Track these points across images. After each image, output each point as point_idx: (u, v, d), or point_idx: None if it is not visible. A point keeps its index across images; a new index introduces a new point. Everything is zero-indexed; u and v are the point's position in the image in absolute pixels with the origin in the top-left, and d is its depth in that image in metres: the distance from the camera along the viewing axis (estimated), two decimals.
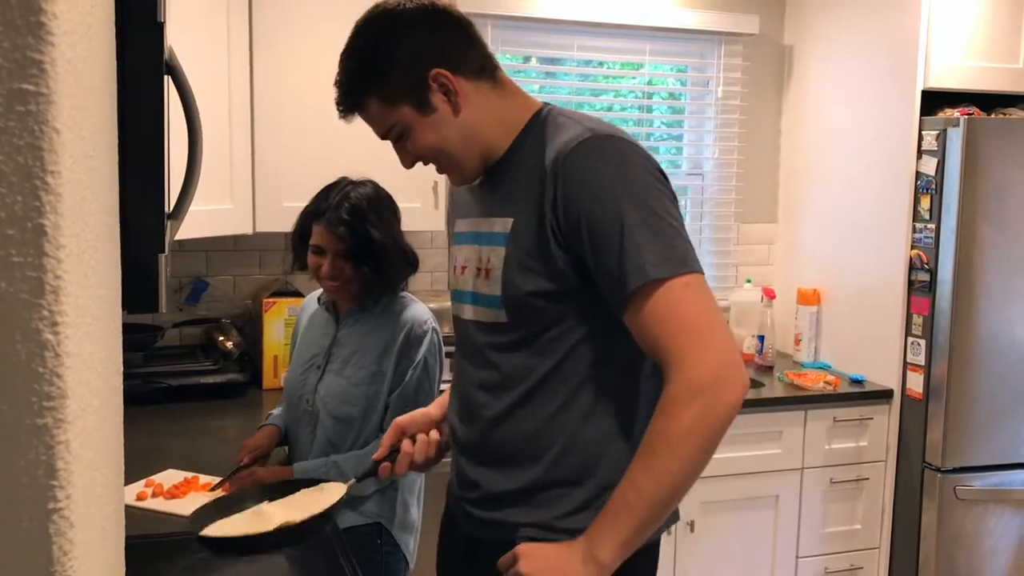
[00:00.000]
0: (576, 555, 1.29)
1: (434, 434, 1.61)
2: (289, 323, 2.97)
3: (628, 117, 3.74)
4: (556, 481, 1.42)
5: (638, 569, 1.41)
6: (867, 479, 3.24)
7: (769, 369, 3.44)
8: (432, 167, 1.48)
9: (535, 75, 3.64)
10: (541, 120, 1.43)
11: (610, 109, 3.71)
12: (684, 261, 1.28)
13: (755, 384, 3.30)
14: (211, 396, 2.86)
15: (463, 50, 1.40)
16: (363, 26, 1.41)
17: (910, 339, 3.15)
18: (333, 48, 3.00)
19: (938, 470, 3.07)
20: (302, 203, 2.16)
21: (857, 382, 3.28)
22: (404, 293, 2.19)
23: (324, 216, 2.05)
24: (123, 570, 0.85)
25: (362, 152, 2.87)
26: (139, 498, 2.02)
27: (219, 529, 1.48)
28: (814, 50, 3.61)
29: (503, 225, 1.41)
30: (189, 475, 2.15)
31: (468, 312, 1.50)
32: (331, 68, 3.02)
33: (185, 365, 2.91)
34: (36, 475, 0.44)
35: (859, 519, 3.27)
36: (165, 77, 1.19)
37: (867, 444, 3.23)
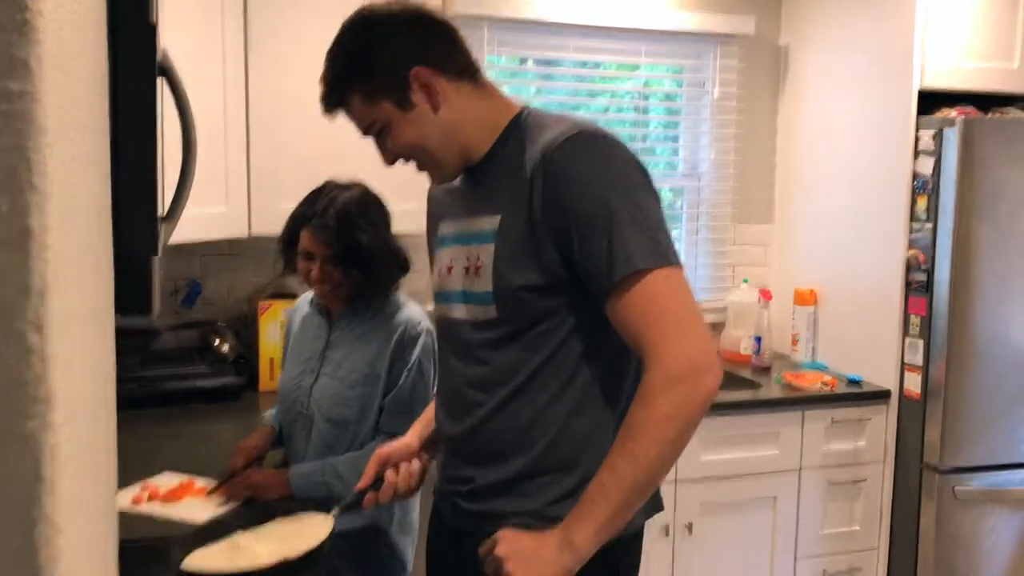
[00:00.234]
0: (553, 541, 1.32)
1: (416, 464, 1.65)
2: (285, 325, 2.96)
3: (624, 118, 3.74)
4: (544, 470, 1.45)
5: (620, 559, 1.44)
6: (865, 480, 3.24)
7: (766, 370, 3.44)
8: (413, 166, 1.52)
9: (532, 76, 3.64)
10: (522, 122, 1.48)
11: (606, 111, 3.70)
12: (665, 254, 1.33)
13: (752, 385, 3.29)
14: (207, 399, 2.85)
15: (445, 52, 1.45)
16: (349, 26, 1.47)
17: (907, 339, 3.15)
18: (327, 48, 2.98)
19: (936, 470, 3.07)
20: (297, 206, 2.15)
21: (855, 383, 3.27)
22: (398, 294, 2.18)
23: (311, 222, 2.05)
24: None
25: (357, 154, 2.85)
26: (135, 502, 2.01)
27: (201, 560, 1.48)
28: (810, 51, 3.61)
29: (490, 223, 1.44)
30: (185, 478, 2.14)
31: (457, 311, 1.52)
32: None
33: (181, 368, 2.91)
34: (22, 481, 0.44)
35: (857, 520, 3.26)
36: (159, 79, 1.19)
37: (865, 445, 3.22)
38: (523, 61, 3.59)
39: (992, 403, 3.07)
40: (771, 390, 3.22)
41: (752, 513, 3.14)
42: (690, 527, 3.05)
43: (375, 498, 1.61)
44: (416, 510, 2.23)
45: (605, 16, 3.42)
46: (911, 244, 3.12)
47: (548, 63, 3.58)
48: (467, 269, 1.47)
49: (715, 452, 3.05)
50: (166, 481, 2.13)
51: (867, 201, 3.29)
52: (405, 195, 2.81)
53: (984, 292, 3.02)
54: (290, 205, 2.17)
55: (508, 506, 1.47)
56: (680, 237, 3.81)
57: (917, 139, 3.08)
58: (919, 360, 3.10)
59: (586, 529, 1.31)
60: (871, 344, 3.29)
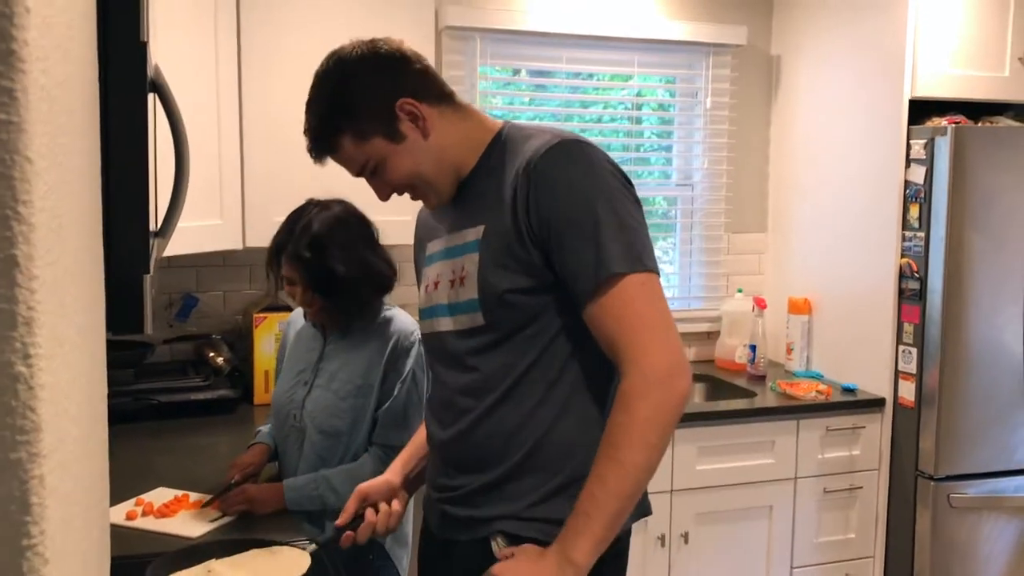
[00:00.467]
0: (552, 561, 1.34)
1: (396, 505, 1.67)
2: (280, 338, 2.96)
3: (618, 128, 3.74)
4: (529, 472, 1.47)
5: (607, 563, 1.43)
6: (860, 488, 3.24)
7: (761, 379, 3.44)
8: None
9: (525, 87, 3.65)
10: (504, 137, 1.51)
11: (599, 120, 3.71)
12: (641, 259, 1.37)
13: (748, 394, 3.30)
14: (202, 412, 2.85)
15: (421, 80, 1.48)
16: (323, 74, 1.50)
17: (901, 347, 3.16)
18: (320, 61, 2.99)
19: (931, 478, 3.07)
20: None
21: (849, 391, 3.28)
22: (389, 306, 2.18)
23: (287, 249, 2.05)
24: None
25: None
26: (129, 517, 2.00)
27: None
28: (802, 60, 3.62)
29: (475, 233, 1.47)
30: (180, 493, 2.14)
31: (443, 324, 1.54)
32: None
33: (175, 381, 2.90)
34: (8, 511, 0.44)
35: (853, 528, 3.26)
36: (151, 95, 1.19)
37: (860, 453, 3.23)
38: (516, 72, 3.59)
39: (986, 410, 3.08)
40: (766, 399, 3.22)
41: (748, 522, 3.14)
42: (686, 536, 3.05)
43: (353, 537, 1.62)
44: (411, 522, 2.23)
45: (598, 26, 3.43)
46: (904, 252, 3.13)
47: (541, 73, 3.59)
48: (452, 282, 1.50)
49: (710, 461, 3.05)
50: (160, 496, 2.12)
51: (860, 209, 3.29)
52: (399, 207, 2.81)
53: (977, 299, 3.03)
54: (283, 217, 2.17)
55: (494, 510, 1.49)
56: (674, 246, 3.82)
57: (909, 147, 3.09)
58: (913, 368, 3.11)
59: (584, 545, 1.33)
60: (865, 352, 3.29)
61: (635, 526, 1.56)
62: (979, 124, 3.15)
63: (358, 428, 2.09)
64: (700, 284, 3.82)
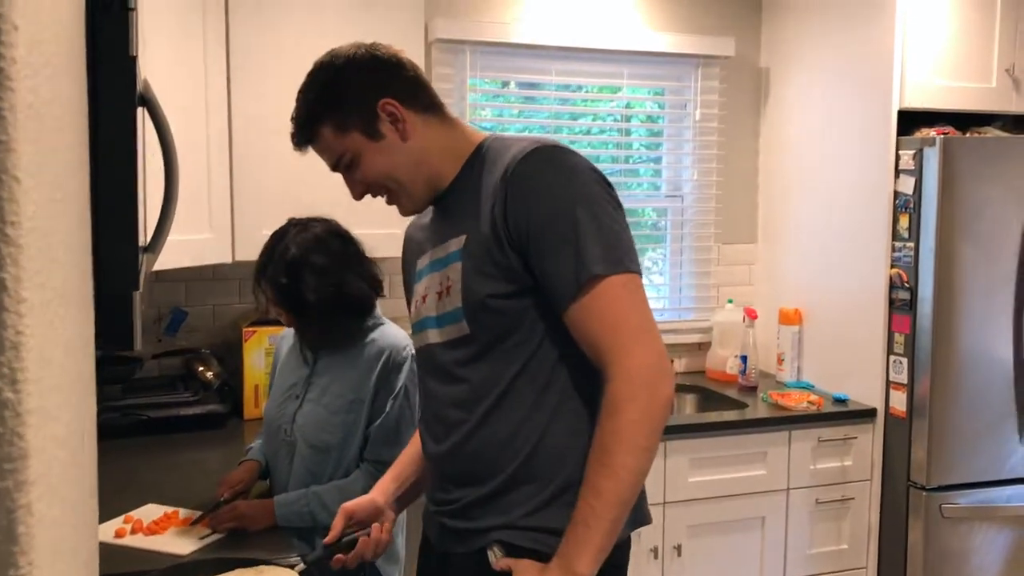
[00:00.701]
0: (555, 575, 1.35)
1: (385, 534, 1.68)
2: (270, 352, 2.94)
3: (607, 140, 3.75)
4: (524, 480, 1.47)
5: (606, 572, 1.42)
6: (853, 499, 3.24)
7: (752, 390, 3.44)
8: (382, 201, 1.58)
9: (514, 100, 3.65)
10: (485, 148, 1.52)
11: (588, 132, 3.71)
12: (621, 261, 1.37)
13: (739, 405, 3.29)
14: (191, 428, 2.83)
15: (410, 87, 1.51)
16: (317, 67, 1.55)
17: (892, 357, 3.16)
18: None
19: (923, 488, 3.07)
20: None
21: (840, 401, 3.28)
22: (380, 318, 2.17)
23: (265, 275, 2.05)
24: None
25: (338, 179, 2.85)
26: (118, 535, 1.98)
27: None
28: (790, 72, 3.63)
29: (457, 243, 1.48)
30: (169, 510, 2.12)
31: (432, 336, 1.55)
32: None
33: (165, 396, 2.88)
34: None
35: (846, 539, 3.26)
36: (140, 109, 1.18)
37: (852, 463, 3.23)
38: (505, 84, 3.59)
39: (977, 420, 3.08)
40: (757, 410, 3.22)
41: (740, 534, 3.13)
42: (679, 549, 3.04)
43: (344, 560, 1.63)
44: (402, 536, 2.21)
45: (587, 39, 3.44)
46: (894, 262, 3.14)
47: (530, 86, 3.59)
48: (439, 293, 1.51)
49: (703, 473, 3.04)
50: (149, 513, 2.10)
51: (849, 220, 3.30)
52: (389, 220, 2.80)
53: (967, 309, 3.03)
54: (272, 231, 2.16)
55: (490, 521, 1.49)
56: (664, 258, 3.82)
57: (898, 158, 3.10)
58: (904, 378, 3.11)
59: (586, 555, 1.33)
60: (856, 362, 3.30)
61: (631, 536, 1.55)
62: (967, 135, 3.17)
63: (349, 444, 2.07)
64: (690, 295, 3.82)
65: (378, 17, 2.89)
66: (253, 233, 2.76)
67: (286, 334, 2.32)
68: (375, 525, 1.65)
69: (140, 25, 1.09)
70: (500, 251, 1.41)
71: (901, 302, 3.11)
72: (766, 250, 3.81)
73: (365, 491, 1.74)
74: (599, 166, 1.49)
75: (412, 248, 1.68)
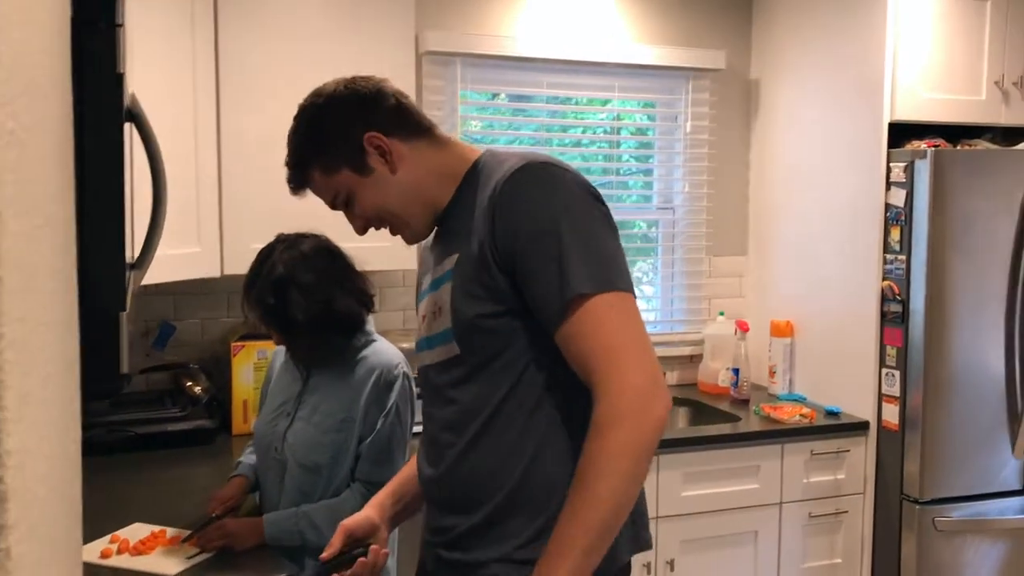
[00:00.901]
0: None
1: (382, 558, 1.64)
2: (259, 366, 2.92)
3: (598, 152, 3.74)
4: (516, 510, 1.44)
5: None
6: (846, 512, 3.22)
7: (745, 403, 3.43)
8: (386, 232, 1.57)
9: (504, 112, 3.64)
10: (480, 166, 1.50)
11: (578, 144, 3.70)
12: (610, 279, 1.33)
13: (731, 418, 3.28)
14: (179, 444, 2.80)
15: (394, 115, 1.50)
16: (301, 109, 1.55)
17: (884, 370, 3.15)
18: (299, 88, 2.97)
19: (916, 501, 3.06)
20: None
21: (833, 414, 3.26)
22: (372, 334, 2.14)
23: (252, 294, 2.03)
24: None
25: None
26: (104, 555, 1.95)
27: None
28: (781, 84, 3.63)
29: (450, 263, 1.47)
30: (157, 529, 2.09)
31: (426, 357, 1.54)
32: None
33: (152, 412, 2.85)
34: None
35: (839, 553, 3.25)
36: (128, 124, 1.16)
37: (844, 477, 3.21)
38: (495, 95, 3.58)
39: (970, 432, 3.08)
40: (750, 423, 3.20)
41: (733, 548, 3.12)
42: (672, 564, 3.02)
43: None
44: (394, 558, 2.18)
45: (578, 51, 3.43)
46: (885, 275, 3.13)
47: (520, 98, 3.58)
48: (434, 313, 1.49)
49: (695, 487, 3.02)
50: (136, 532, 2.07)
51: (841, 232, 3.30)
52: (380, 233, 2.78)
53: (959, 322, 3.03)
54: (262, 244, 2.14)
55: (484, 553, 1.45)
56: (655, 269, 3.81)
57: (889, 171, 3.10)
58: (896, 391, 3.10)
59: None
60: (848, 375, 3.29)
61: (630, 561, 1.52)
62: (957, 147, 3.17)
63: (340, 463, 2.05)
64: (682, 307, 3.81)
65: (368, 31, 2.88)
66: (242, 247, 2.74)
67: (280, 350, 2.29)
68: (373, 547, 1.62)
69: (128, 39, 1.08)
70: (487, 271, 1.39)
71: (893, 315, 3.10)
72: (757, 262, 3.81)
73: (355, 511, 1.71)
74: (589, 178, 1.46)
75: (422, 269, 1.66)
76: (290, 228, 2.14)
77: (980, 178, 3.03)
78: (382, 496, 1.71)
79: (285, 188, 2.79)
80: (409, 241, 1.57)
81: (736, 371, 3.49)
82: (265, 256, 2.05)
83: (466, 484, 1.47)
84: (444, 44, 3.26)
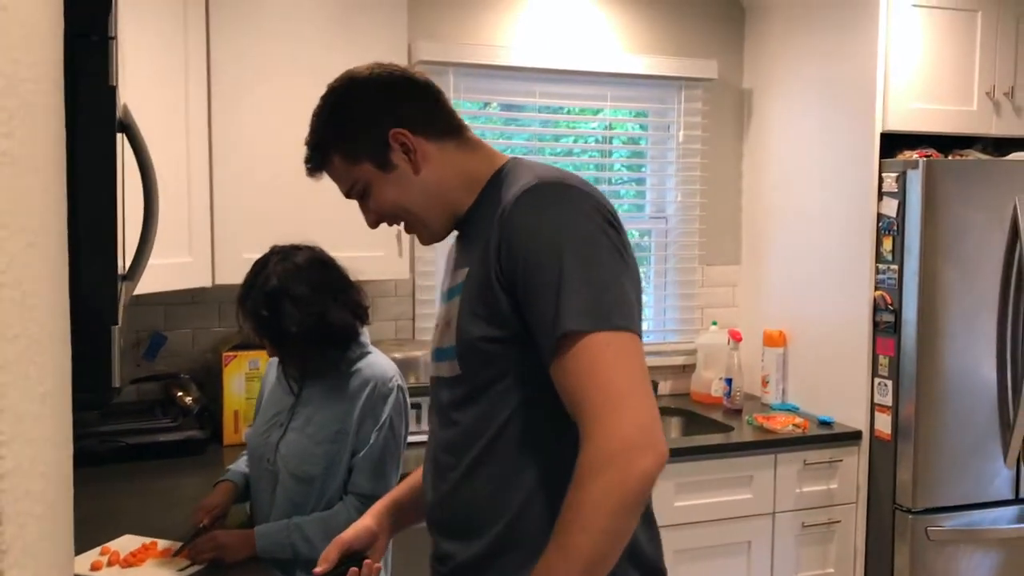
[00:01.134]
0: None
1: (374, 573, 1.59)
2: (250, 376, 2.91)
3: (589, 161, 3.74)
4: (517, 543, 1.36)
5: None
6: (839, 522, 3.22)
7: (737, 412, 3.43)
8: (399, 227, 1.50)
9: (496, 121, 3.64)
10: (502, 175, 1.44)
11: (570, 153, 3.71)
12: (608, 317, 1.22)
13: (724, 428, 3.28)
14: (170, 454, 2.78)
15: (426, 112, 1.44)
16: (331, 89, 1.47)
17: (877, 380, 3.16)
18: (291, 99, 2.98)
19: (909, 511, 3.06)
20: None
21: (826, 424, 3.27)
22: (367, 346, 2.14)
23: (246, 305, 2.02)
24: None
25: (320, 203, 2.83)
26: (94, 568, 1.94)
27: None
28: (773, 94, 3.64)
29: (461, 276, 1.41)
30: (147, 540, 2.07)
31: (435, 369, 1.48)
32: (289, 120, 2.98)
33: (143, 422, 2.84)
34: None
35: (832, 563, 3.24)
36: (119, 135, 1.16)
37: (837, 487, 3.21)
38: (486, 105, 3.58)
39: (962, 442, 3.08)
40: (743, 433, 3.20)
41: (727, 558, 3.11)
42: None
43: None
44: (385, 572, 2.17)
45: (571, 61, 3.44)
46: (878, 285, 3.14)
47: (512, 107, 3.58)
48: (446, 325, 1.43)
49: (688, 498, 3.02)
50: (127, 544, 2.05)
51: (833, 242, 3.31)
52: (373, 243, 2.79)
53: (951, 331, 3.04)
54: (253, 254, 2.13)
55: None
56: (648, 279, 3.81)
57: (881, 181, 3.11)
58: (889, 400, 3.11)
59: None
60: (841, 385, 3.29)
61: None
62: (949, 157, 3.18)
63: (332, 475, 2.04)
64: (675, 317, 3.81)
65: (361, 40, 2.88)
66: (233, 257, 2.74)
67: (274, 360, 2.28)
68: (367, 562, 1.58)
69: (120, 50, 1.07)
70: (491, 292, 1.32)
71: (885, 324, 3.11)
72: (750, 272, 3.81)
73: (348, 523, 1.69)
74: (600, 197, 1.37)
75: (445, 269, 1.59)
76: (281, 238, 2.13)
77: (972, 188, 3.04)
78: (382, 504, 1.66)
79: (277, 198, 2.80)
80: (424, 242, 1.51)
81: (729, 381, 3.49)
82: (259, 268, 2.04)
83: (465, 510, 1.42)
84: (437, 54, 3.26)
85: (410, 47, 3.17)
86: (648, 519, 1.47)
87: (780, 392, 3.56)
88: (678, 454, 3.01)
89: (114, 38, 0.98)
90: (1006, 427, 3.12)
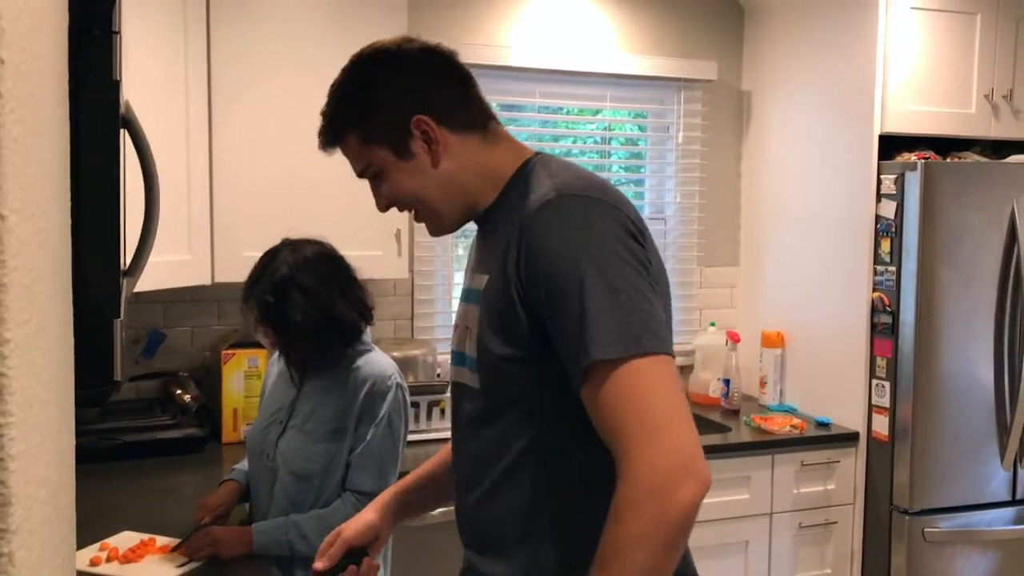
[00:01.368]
0: None
1: (373, 573, 1.56)
2: (249, 375, 2.91)
3: (588, 162, 3.75)
4: (545, 569, 1.31)
5: None
6: (836, 523, 3.23)
7: (735, 413, 3.44)
8: (406, 215, 1.44)
9: None
10: (526, 173, 1.35)
11: (569, 154, 3.72)
12: (639, 340, 1.14)
13: (722, 429, 3.28)
14: (169, 452, 2.78)
15: (453, 100, 1.35)
16: (356, 61, 1.38)
17: (874, 381, 3.16)
18: (291, 98, 2.98)
19: (906, 512, 3.07)
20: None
21: (823, 425, 3.27)
22: (368, 344, 2.14)
23: (253, 293, 2.02)
24: None
25: (320, 200, 2.84)
26: (93, 563, 1.94)
27: None
28: (772, 95, 3.65)
29: (480, 282, 1.34)
30: (146, 537, 2.08)
31: (455, 374, 1.42)
32: (289, 118, 2.99)
33: (142, 420, 2.84)
34: None
35: (829, 563, 3.25)
36: (121, 131, 1.16)
37: (835, 487, 3.22)
38: None
39: (959, 444, 3.09)
40: (741, 434, 3.21)
41: (724, 559, 3.12)
42: None
43: None
44: (385, 571, 2.17)
45: (571, 62, 3.45)
46: (875, 286, 3.15)
47: (512, 107, 3.59)
48: (466, 329, 1.36)
49: None
50: (125, 541, 2.06)
51: (831, 244, 3.31)
52: (371, 242, 2.80)
53: (949, 333, 3.04)
54: (254, 252, 2.14)
55: None
56: None
57: (879, 182, 3.12)
58: (886, 402, 3.11)
59: None
60: (839, 386, 3.30)
61: None
62: (947, 160, 3.19)
63: (331, 472, 2.04)
64: (673, 318, 3.81)
65: (361, 39, 2.83)
66: (233, 255, 2.74)
67: (276, 357, 2.28)
68: (367, 560, 1.55)
69: (122, 47, 1.08)
70: (511, 306, 1.25)
71: (883, 326, 3.12)
72: (748, 273, 3.82)
73: (345, 521, 1.70)
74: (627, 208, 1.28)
75: (468, 263, 1.51)
76: (281, 236, 2.14)
77: (969, 190, 3.04)
78: (388, 496, 1.62)
79: (276, 197, 2.81)
80: (433, 233, 1.43)
81: (727, 382, 3.49)
82: (269, 258, 2.06)
83: (490, 527, 1.36)
84: None
85: None
86: None
87: (778, 393, 3.57)
88: None
89: (118, 33, 0.99)
90: (1003, 429, 3.13)
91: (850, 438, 3.21)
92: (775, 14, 3.62)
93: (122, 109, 1.15)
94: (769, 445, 3.13)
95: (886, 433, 3.12)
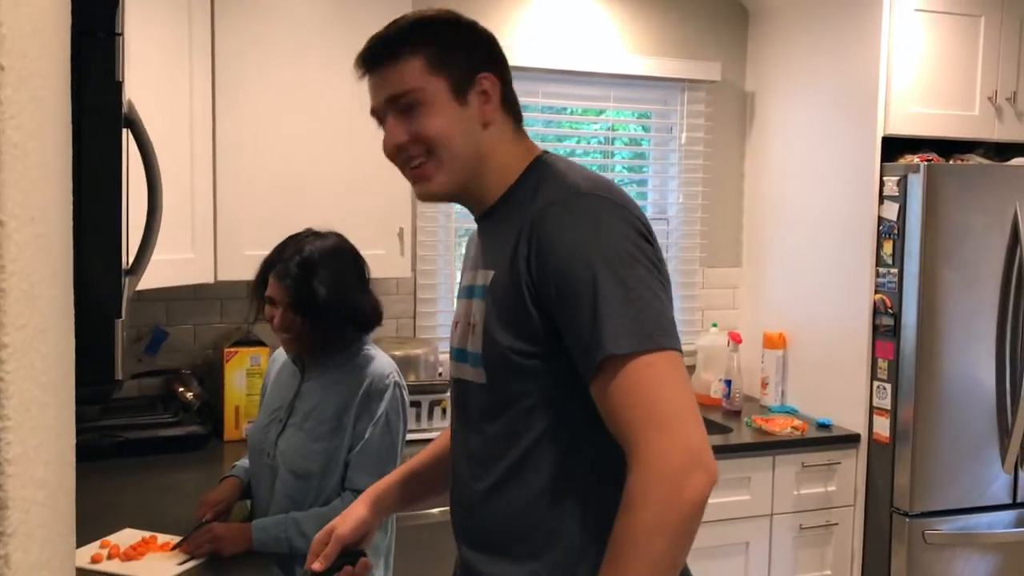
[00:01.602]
0: None
1: (367, 570, 1.56)
2: (251, 372, 2.92)
3: (592, 162, 3.75)
4: (557, 568, 1.31)
5: None
6: (836, 524, 3.23)
7: (736, 414, 3.44)
8: (409, 214, 1.44)
9: None
10: (534, 172, 1.37)
11: (573, 154, 3.72)
12: (650, 336, 1.17)
13: (723, 430, 3.28)
14: (171, 449, 2.79)
15: (510, 83, 1.42)
16: (438, 9, 1.40)
17: (876, 383, 3.16)
18: (295, 97, 2.98)
19: (906, 514, 3.07)
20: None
21: (824, 426, 3.27)
22: (368, 345, 2.15)
23: (276, 267, 2.04)
24: None
25: (323, 200, 2.85)
26: (94, 561, 1.95)
27: None
28: (775, 97, 3.65)
29: (485, 278, 1.34)
30: (147, 535, 2.08)
31: (457, 370, 1.43)
32: (293, 117, 2.98)
33: (143, 417, 2.84)
34: None
35: (829, 565, 3.25)
36: (124, 131, 1.17)
37: (835, 489, 3.22)
38: None
39: (960, 446, 3.09)
40: (742, 435, 3.21)
41: (724, 559, 3.12)
42: None
43: None
44: (383, 570, 2.18)
45: (575, 62, 3.45)
46: (878, 288, 3.14)
47: None
48: (469, 325, 1.36)
49: None
50: (126, 538, 2.06)
51: (834, 245, 3.31)
52: (374, 241, 2.80)
53: (950, 335, 3.04)
54: (256, 251, 2.16)
55: None
56: None
57: (882, 184, 3.12)
58: (887, 404, 3.11)
59: None
60: (840, 388, 3.30)
61: None
62: (950, 162, 3.19)
63: (330, 471, 2.05)
64: (675, 319, 3.81)
65: (366, 37, 2.88)
66: (236, 253, 2.75)
67: (277, 355, 2.29)
68: (362, 559, 1.56)
69: (125, 46, 1.08)
70: (521, 303, 1.27)
71: (885, 328, 3.12)
72: (751, 274, 3.82)
73: None
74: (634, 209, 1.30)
75: (465, 262, 1.53)
76: (284, 235, 2.15)
77: (972, 193, 3.04)
78: (381, 489, 1.62)
79: (280, 195, 2.81)
80: (422, 193, 1.39)
81: (728, 382, 3.50)
82: (292, 240, 2.09)
83: (491, 524, 1.37)
84: None
85: None
86: None
87: (779, 394, 3.57)
88: None
89: (120, 34, 0.99)
90: (1004, 432, 3.13)
91: (851, 440, 3.21)
92: (779, 15, 3.62)
93: (125, 109, 1.15)
94: (770, 446, 3.13)
95: (887, 435, 3.12)
